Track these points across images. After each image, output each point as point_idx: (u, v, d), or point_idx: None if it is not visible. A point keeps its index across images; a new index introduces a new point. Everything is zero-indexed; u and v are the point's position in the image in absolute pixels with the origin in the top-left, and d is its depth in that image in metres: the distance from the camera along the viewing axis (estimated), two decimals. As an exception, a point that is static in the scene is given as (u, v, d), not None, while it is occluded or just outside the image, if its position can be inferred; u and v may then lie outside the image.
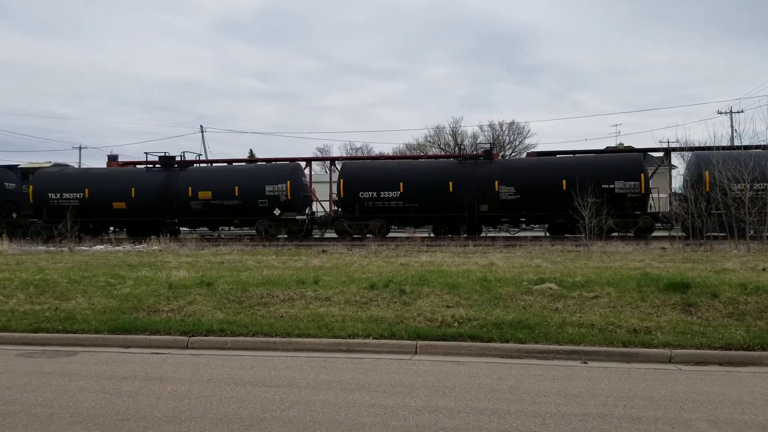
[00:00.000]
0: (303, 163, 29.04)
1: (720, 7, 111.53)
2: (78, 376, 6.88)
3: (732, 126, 41.36)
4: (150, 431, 5.05)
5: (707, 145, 24.23)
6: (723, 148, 23.36)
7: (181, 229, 28.50)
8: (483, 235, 25.73)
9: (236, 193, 25.62)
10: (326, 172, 31.63)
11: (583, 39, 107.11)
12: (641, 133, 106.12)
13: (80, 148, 60.51)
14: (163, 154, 27.65)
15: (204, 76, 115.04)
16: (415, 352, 7.87)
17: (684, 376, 6.80)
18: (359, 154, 63.43)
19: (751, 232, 18.53)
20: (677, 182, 28.50)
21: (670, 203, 25.23)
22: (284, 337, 8.35)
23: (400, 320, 8.79)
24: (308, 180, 28.47)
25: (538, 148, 53.48)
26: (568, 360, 7.47)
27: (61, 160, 33.95)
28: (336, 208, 26.97)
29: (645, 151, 26.99)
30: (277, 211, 25.41)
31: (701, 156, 22.68)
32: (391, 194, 24.79)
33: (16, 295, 10.59)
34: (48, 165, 30.24)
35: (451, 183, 24.49)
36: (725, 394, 6.04)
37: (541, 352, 7.67)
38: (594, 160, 25.07)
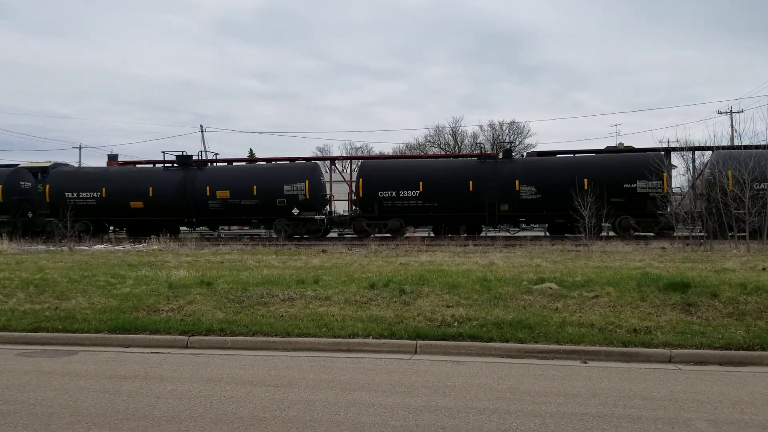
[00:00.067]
0: (327, 163, 28.88)
1: (720, 7, 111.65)
2: (78, 376, 6.88)
3: (732, 126, 41.34)
4: (150, 431, 5.05)
5: (707, 144, 24.16)
6: (723, 147, 23.30)
7: (199, 228, 28.52)
8: (483, 234, 25.71)
9: (254, 193, 25.58)
10: (326, 171, 31.61)
11: (583, 39, 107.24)
12: (641, 132, 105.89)
13: (80, 147, 60.50)
14: (180, 154, 27.65)
15: (204, 76, 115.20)
16: (415, 352, 7.87)
17: (684, 375, 6.80)
18: (359, 153, 63.42)
19: None
20: (677, 182, 28.34)
21: (670, 203, 25.09)
22: (284, 337, 8.35)
23: (399, 320, 8.79)
24: (328, 179, 28.47)
25: (538, 148, 53.46)
26: (568, 360, 7.47)
27: (60, 160, 33.91)
28: (354, 207, 26.92)
29: (668, 150, 26.26)
30: (295, 211, 25.38)
31: (724, 155, 22.37)
32: (411, 194, 24.69)
33: (16, 295, 10.58)
34: (48, 164, 30.22)
35: (471, 182, 24.39)
36: (725, 393, 6.04)
37: (541, 351, 7.67)
38: (616, 159, 24.82)
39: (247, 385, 6.42)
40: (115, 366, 7.36)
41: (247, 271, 12.25)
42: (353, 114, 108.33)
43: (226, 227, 28.91)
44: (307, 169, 26.64)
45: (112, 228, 28.47)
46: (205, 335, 8.55)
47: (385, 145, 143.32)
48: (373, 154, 57.60)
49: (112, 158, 33.51)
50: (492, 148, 60.19)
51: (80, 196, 26.73)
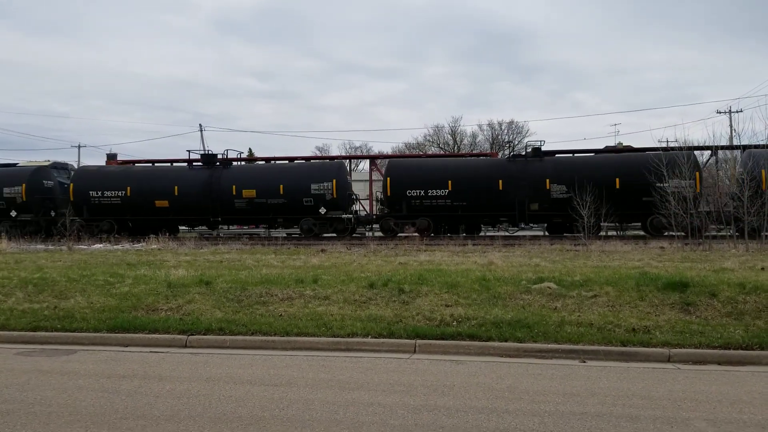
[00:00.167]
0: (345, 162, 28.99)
1: (720, 7, 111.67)
2: (77, 375, 6.88)
3: (731, 125, 41.42)
4: (149, 430, 5.05)
5: (707, 144, 24.10)
6: (723, 147, 23.22)
7: (224, 227, 28.38)
8: (482, 234, 25.68)
9: (281, 192, 25.30)
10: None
11: (583, 39, 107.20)
12: (640, 132, 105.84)
13: (79, 146, 60.39)
14: (205, 152, 27.45)
15: (203, 75, 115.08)
16: (414, 351, 7.87)
17: (683, 375, 6.81)
18: (358, 153, 63.42)
19: None
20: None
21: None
22: (283, 336, 8.35)
23: (399, 319, 8.79)
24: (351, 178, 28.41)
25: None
26: (567, 359, 7.48)
27: (59, 159, 33.83)
28: (381, 206, 26.79)
29: (694, 149, 25.48)
30: (322, 210, 25.15)
31: (757, 154, 22.07)
32: (439, 192, 24.51)
33: (15, 294, 10.58)
34: (47, 164, 30.16)
35: (500, 181, 24.19)
36: (724, 393, 6.05)
37: (540, 351, 7.67)
38: (648, 157, 24.54)
39: (246, 384, 6.42)
40: (113, 365, 7.36)
41: (246, 271, 12.25)
42: (353, 113, 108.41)
43: (246, 227, 28.67)
44: (334, 167, 26.45)
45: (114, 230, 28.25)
46: (204, 334, 8.55)
47: (384, 144, 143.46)
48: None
49: (111, 157, 33.42)
50: (491, 148, 60.28)
51: (105, 195, 26.43)
